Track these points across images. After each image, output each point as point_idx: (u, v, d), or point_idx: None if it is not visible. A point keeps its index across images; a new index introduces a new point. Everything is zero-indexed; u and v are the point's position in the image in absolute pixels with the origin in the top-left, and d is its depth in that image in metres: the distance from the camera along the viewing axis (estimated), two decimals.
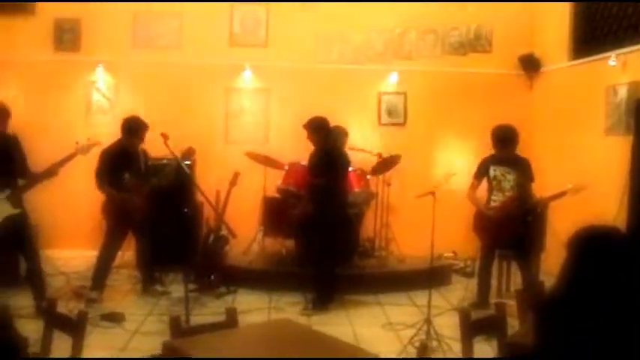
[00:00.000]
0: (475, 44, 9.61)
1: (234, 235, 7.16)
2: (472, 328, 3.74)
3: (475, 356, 3.72)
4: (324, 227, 6.99)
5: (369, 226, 8.63)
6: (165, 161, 7.49)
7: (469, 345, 3.69)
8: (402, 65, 9.58)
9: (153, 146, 7.23)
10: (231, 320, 3.75)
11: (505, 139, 6.87)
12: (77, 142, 6.54)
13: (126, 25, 9.33)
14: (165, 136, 6.33)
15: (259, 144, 9.10)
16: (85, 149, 6.56)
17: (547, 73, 9.28)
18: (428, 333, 5.83)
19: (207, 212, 8.05)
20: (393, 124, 9.61)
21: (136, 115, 7.23)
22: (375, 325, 6.60)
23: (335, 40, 9.56)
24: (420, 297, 7.19)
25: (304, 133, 7.22)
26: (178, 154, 6.86)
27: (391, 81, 9.66)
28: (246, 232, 8.20)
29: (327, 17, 9.40)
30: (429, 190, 6.08)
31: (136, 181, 7.07)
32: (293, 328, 3.79)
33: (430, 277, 6.73)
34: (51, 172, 6.41)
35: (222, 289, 7.45)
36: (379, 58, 9.62)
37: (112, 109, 9.33)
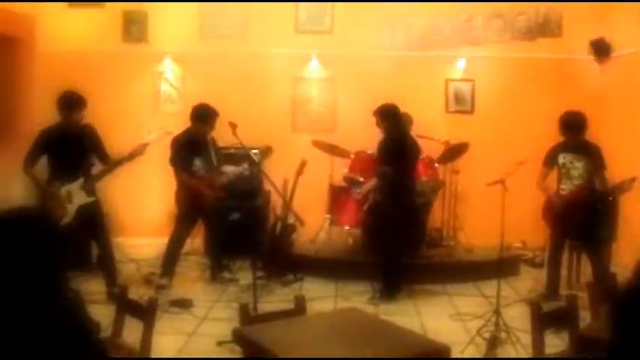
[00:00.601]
0: (544, 29, 9.34)
1: (302, 223, 7.18)
2: (543, 320, 3.66)
3: (545, 349, 3.64)
4: (392, 216, 6.94)
5: (436, 215, 8.54)
6: (232, 150, 7.58)
7: (540, 337, 3.61)
8: (469, 51, 9.40)
9: (220, 135, 7.29)
10: (299, 308, 3.75)
11: (573, 126, 6.64)
12: (149, 132, 6.68)
13: (192, 15, 9.39)
14: (233, 125, 6.37)
15: (326, 133, 9.06)
16: (156, 139, 6.68)
17: (619, 57, 8.96)
18: (497, 324, 5.73)
19: (275, 201, 8.11)
20: (461, 112, 9.45)
21: (206, 102, 7.27)
22: (443, 315, 6.54)
23: (401, 26, 9.45)
24: (488, 287, 7.07)
25: (371, 121, 7.17)
26: (251, 144, 6.92)
27: (459, 67, 9.50)
28: (313, 221, 8.23)
29: (393, 3, 9.28)
30: (499, 178, 5.96)
31: (206, 169, 7.16)
32: (361, 317, 3.77)
33: (499, 267, 6.59)
34: (133, 155, 6.51)
35: (289, 277, 7.48)
36: (446, 44, 9.46)
37: (180, 98, 9.44)
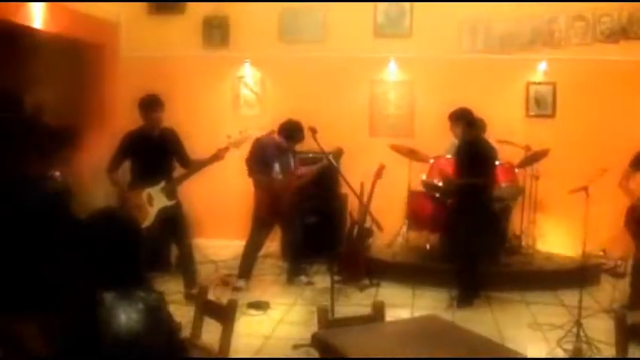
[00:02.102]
0: (628, 30, 9.04)
1: (380, 228, 7.15)
2: (628, 331, 3.54)
3: None
4: (470, 222, 6.84)
5: (515, 222, 8.39)
6: (310, 155, 7.64)
7: (624, 350, 3.49)
8: (550, 54, 9.19)
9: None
10: (378, 314, 3.74)
11: None
12: (229, 136, 6.75)
13: (271, 20, 9.46)
14: (313, 130, 6.41)
15: (404, 137, 9.00)
16: (237, 142, 6.74)
17: None
18: (578, 335, 5.59)
19: (351, 204, 8.11)
20: (542, 116, 9.24)
21: (297, 121, 7.28)
22: (521, 324, 6.40)
23: (480, 28, 9.31)
24: (568, 296, 6.90)
25: (448, 126, 7.11)
26: (325, 148, 6.94)
27: (540, 70, 9.29)
28: (390, 226, 8.19)
29: (472, 5, 9.13)
30: (582, 185, 5.82)
31: (284, 173, 7.22)
32: (440, 325, 3.72)
33: (580, 276, 6.42)
34: (213, 160, 6.60)
35: (366, 282, 7.47)
36: (527, 46, 9.28)
37: (260, 103, 9.55)
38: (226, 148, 6.60)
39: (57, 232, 3.51)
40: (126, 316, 2.60)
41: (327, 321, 3.62)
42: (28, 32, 7.80)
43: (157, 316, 2.74)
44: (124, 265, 2.73)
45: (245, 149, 7.16)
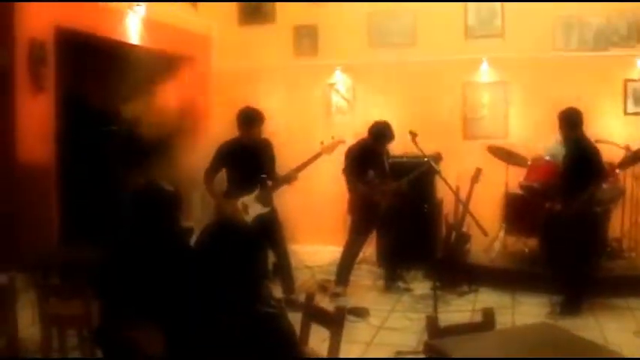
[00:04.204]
0: None
1: (485, 233, 6.96)
2: None
3: None
4: (571, 226, 6.63)
5: (616, 225, 8.10)
6: (405, 159, 7.60)
7: None
8: None
9: (395, 143, 7.36)
10: (488, 322, 3.65)
11: None
12: (322, 142, 6.81)
13: (360, 26, 9.48)
14: (413, 135, 6.34)
15: (499, 139, 8.84)
16: (330, 148, 6.82)
17: None
18: None
19: (447, 209, 7.99)
20: None
21: (385, 121, 7.29)
22: (627, 331, 6.12)
23: (574, 25, 9.02)
24: None
25: (546, 127, 6.93)
26: (420, 152, 6.88)
27: (638, 67, 8.96)
28: (487, 230, 8.05)
29: (565, 1, 8.92)
30: None
31: (380, 179, 7.20)
32: (555, 333, 3.61)
33: None
34: (292, 176, 6.73)
35: (464, 288, 7.35)
36: (623, 42, 8.95)
37: (351, 109, 9.58)
38: (319, 154, 6.72)
39: (168, 240, 3.57)
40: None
41: (437, 329, 3.55)
42: (124, 47, 8.06)
43: (277, 323, 2.75)
44: (241, 271, 2.76)
45: (340, 155, 7.17)
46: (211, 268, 2.74)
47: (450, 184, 6.72)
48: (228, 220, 2.98)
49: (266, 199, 6.69)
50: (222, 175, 6.82)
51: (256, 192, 6.64)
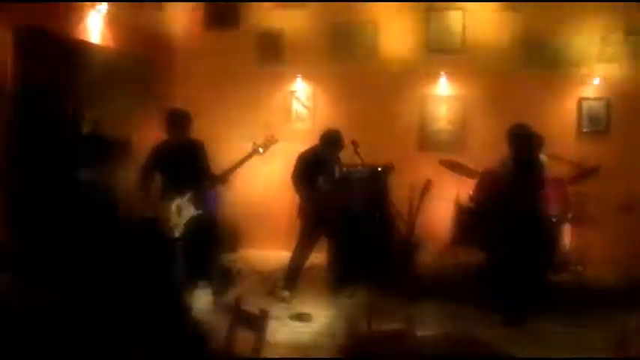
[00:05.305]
0: None
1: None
2: None
3: None
4: (520, 239, 6.75)
5: (564, 240, 8.22)
6: (359, 168, 7.68)
7: None
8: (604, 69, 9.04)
9: (348, 154, 7.43)
10: (409, 328, 3.75)
11: None
12: (254, 143, 6.89)
13: (323, 36, 9.58)
14: (355, 144, 6.47)
15: (455, 152, 8.98)
16: (264, 147, 6.89)
17: None
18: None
19: (402, 219, 8.07)
20: (595, 132, 9.11)
21: (336, 130, 7.40)
22: (567, 345, 6.18)
23: (533, 43, 9.14)
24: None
25: (502, 141, 7.06)
26: (373, 162, 6.98)
27: (594, 86, 9.11)
28: (438, 241, 8.16)
29: (526, 19, 9.07)
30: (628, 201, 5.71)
31: (329, 185, 7.28)
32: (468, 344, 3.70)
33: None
34: (224, 177, 6.82)
35: (410, 296, 7.40)
36: (580, 61, 9.09)
37: (311, 117, 9.65)
38: (252, 154, 6.84)
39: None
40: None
41: (356, 333, 3.64)
42: (87, 47, 8.06)
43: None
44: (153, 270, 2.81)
45: (290, 160, 7.25)
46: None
47: (397, 195, 6.83)
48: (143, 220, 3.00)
49: (199, 201, 6.74)
50: None
51: (190, 194, 6.68)
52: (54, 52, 7.84)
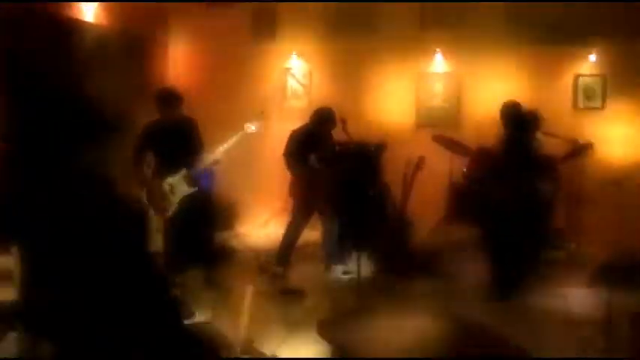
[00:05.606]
0: None
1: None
2: None
3: None
4: (515, 215, 6.78)
5: (557, 217, 8.25)
6: (352, 146, 7.68)
7: None
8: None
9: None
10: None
11: None
12: (245, 124, 6.88)
13: (319, 12, 9.50)
14: (343, 121, 6.47)
15: (450, 128, 8.98)
16: (255, 124, 6.89)
17: None
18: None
19: (396, 195, 8.08)
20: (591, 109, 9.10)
21: (328, 107, 7.38)
22: (557, 319, 6.27)
23: (527, 18, 9.07)
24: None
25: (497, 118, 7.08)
26: (366, 139, 6.98)
27: (589, 62, 9.10)
28: (432, 218, 8.18)
29: None
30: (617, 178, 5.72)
31: (321, 163, 7.29)
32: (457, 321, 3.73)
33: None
34: (217, 157, 6.78)
35: (406, 273, 7.44)
36: (576, 36, 9.01)
37: (307, 94, 9.62)
38: (245, 132, 6.82)
39: None
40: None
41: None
42: (78, 25, 8.05)
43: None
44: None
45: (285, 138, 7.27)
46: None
47: (392, 171, 6.83)
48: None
49: (193, 179, 6.74)
50: None
51: (183, 172, 6.69)
52: (44, 31, 7.83)
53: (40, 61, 8.10)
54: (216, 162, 6.86)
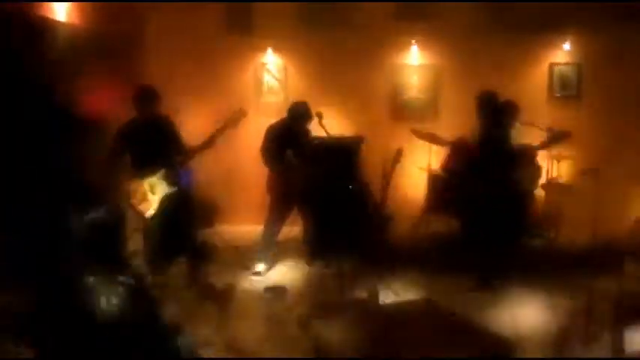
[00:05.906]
0: None
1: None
2: None
3: None
4: (493, 206, 6.80)
5: (536, 206, 8.29)
6: (328, 140, 7.65)
7: None
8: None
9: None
10: (372, 299, 3.77)
11: None
12: (224, 117, 6.80)
13: (294, 5, 9.42)
14: (319, 116, 6.45)
15: (428, 121, 9.01)
16: (233, 122, 6.79)
17: None
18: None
19: (375, 189, 8.08)
20: (567, 97, 9.15)
21: (304, 102, 7.36)
22: (538, 308, 6.34)
23: (502, 7, 9.09)
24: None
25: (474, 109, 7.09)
26: (343, 133, 6.95)
27: (564, 50, 9.16)
28: (410, 210, 8.19)
29: None
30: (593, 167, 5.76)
31: (297, 158, 7.27)
32: (434, 310, 3.74)
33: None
34: (207, 145, 6.68)
35: (386, 267, 7.44)
36: (551, 25, 9.05)
37: (283, 89, 9.57)
38: (223, 128, 6.70)
39: None
40: (106, 299, 2.69)
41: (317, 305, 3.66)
42: (51, 24, 7.95)
43: (138, 300, 2.81)
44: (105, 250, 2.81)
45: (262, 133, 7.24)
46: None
47: (371, 165, 6.82)
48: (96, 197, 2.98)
49: (172, 178, 6.70)
50: None
51: (162, 171, 6.65)
52: (16, 31, 7.73)
53: (11, 60, 8.06)
54: (192, 158, 6.79)
